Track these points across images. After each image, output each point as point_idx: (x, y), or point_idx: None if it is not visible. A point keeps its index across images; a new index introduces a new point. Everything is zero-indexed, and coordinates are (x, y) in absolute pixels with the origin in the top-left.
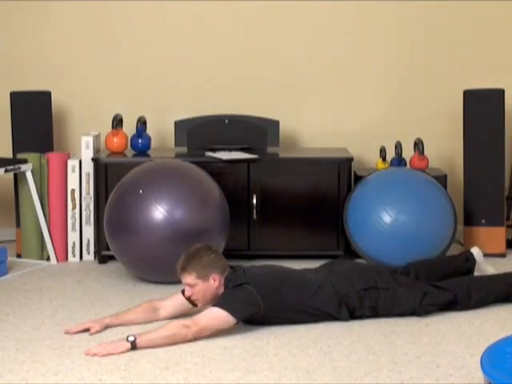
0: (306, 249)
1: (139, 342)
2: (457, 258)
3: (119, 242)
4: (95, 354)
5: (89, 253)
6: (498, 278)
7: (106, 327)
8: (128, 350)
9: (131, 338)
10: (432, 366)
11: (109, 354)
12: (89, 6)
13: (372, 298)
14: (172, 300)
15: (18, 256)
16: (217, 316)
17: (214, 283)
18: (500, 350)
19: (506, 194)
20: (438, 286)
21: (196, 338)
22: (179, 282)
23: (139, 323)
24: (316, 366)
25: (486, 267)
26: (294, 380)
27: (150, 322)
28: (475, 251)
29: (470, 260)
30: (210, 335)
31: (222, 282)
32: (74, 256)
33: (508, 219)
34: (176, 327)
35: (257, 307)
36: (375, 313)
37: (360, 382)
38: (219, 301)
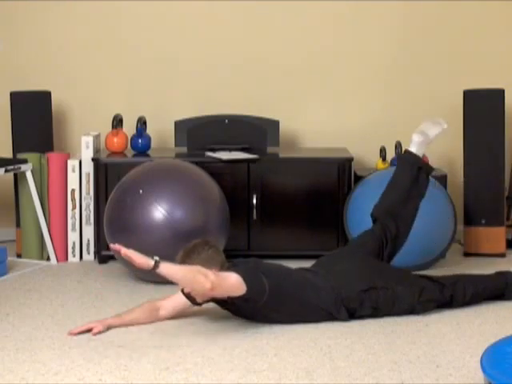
0: (306, 248)
1: (162, 266)
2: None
3: (119, 242)
4: (120, 249)
5: (89, 253)
6: (493, 276)
7: (109, 328)
8: (149, 268)
9: (157, 258)
10: (432, 366)
11: (131, 259)
12: (89, 6)
13: (372, 299)
14: (172, 299)
15: (18, 256)
16: (234, 277)
17: None
18: (500, 349)
19: (506, 193)
20: (434, 279)
21: (212, 289)
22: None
23: (141, 323)
24: (316, 366)
25: (429, 127)
26: (294, 380)
27: (152, 322)
28: (413, 140)
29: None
30: (221, 294)
31: None
32: (74, 256)
33: (508, 219)
34: (199, 272)
35: (263, 286)
36: (376, 313)
37: (360, 382)
38: (233, 268)
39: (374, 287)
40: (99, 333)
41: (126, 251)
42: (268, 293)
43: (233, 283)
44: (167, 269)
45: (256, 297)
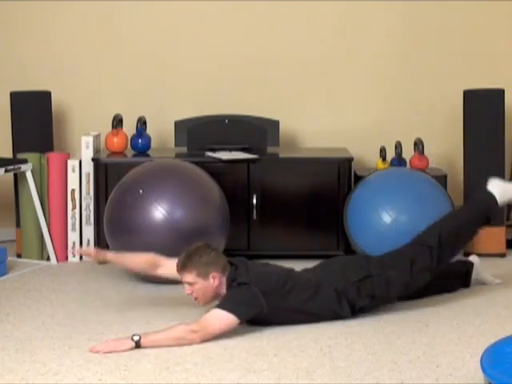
0: (306, 249)
1: (143, 341)
2: (454, 263)
3: (119, 242)
4: (98, 351)
5: None
6: (469, 207)
7: (106, 259)
8: (131, 349)
9: (136, 338)
10: (432, 366)
11: (112, 351)
12: (89, 6)
13: (368, 287)
14: (174, 263)
15: (18, 256)
16: (222, 318)
17: (214, 282)
18: (500, 350)
19: None
20: (419, 244)
21: (203, 341)
22: (179, 282)
23: (137, 271)
24: (316, 366)
25: (485, 275)
26: (294, 380)
27: (147, 274)
28: (473, 258)
29: (466, 264)
30: (215, 338)
31: (223, 280)
32: (74, 256)
33: (508, 219)
34: (183, 331)
35: (260, 307)
36: (374, 302)
37: (360, 382)
38: (223, 302)
39: (369, 275)
40: (99, 262)
41: (104, 349)
42: (267, 306)
43: (224, 326)
44: (150, 342)
45: (254, 316)
